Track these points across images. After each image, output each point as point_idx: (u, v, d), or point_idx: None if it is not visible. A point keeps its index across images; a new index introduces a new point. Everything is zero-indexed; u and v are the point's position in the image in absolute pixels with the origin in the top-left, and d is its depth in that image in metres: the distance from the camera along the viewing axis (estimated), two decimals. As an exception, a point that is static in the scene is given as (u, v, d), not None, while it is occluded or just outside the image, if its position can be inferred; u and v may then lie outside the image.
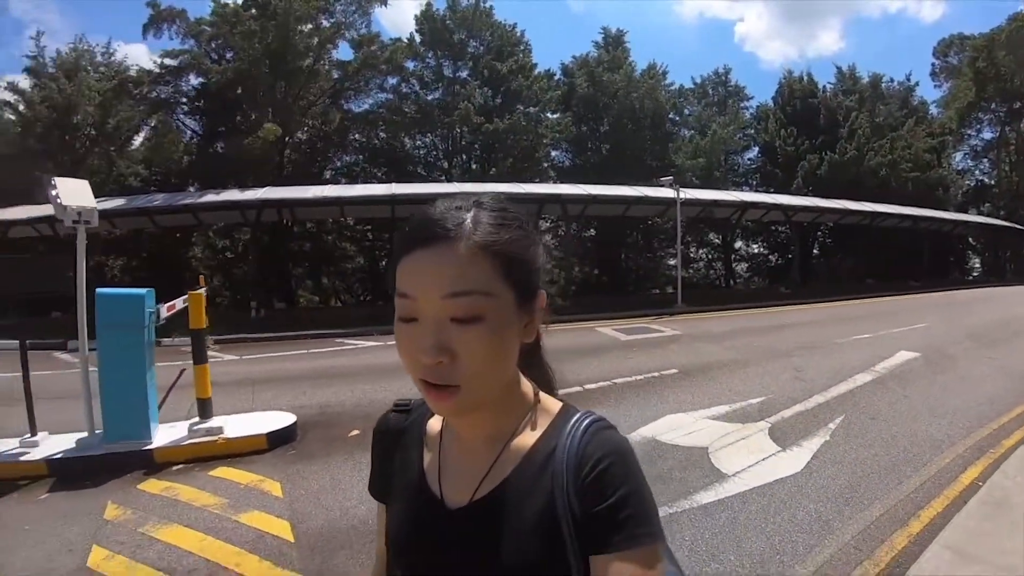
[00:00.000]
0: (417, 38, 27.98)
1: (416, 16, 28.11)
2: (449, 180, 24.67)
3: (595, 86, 28.05)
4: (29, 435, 5.31)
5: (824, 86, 34.31)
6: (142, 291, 5.40)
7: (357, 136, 26.56)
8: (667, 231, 23.51)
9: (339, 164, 26.30)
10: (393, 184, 20.06)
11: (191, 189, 23.07)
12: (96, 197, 5.74)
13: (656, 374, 7.98)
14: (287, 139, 22.88)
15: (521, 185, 21.16)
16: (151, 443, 5.44)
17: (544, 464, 0.79)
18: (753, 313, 16.16)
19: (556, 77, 29.02)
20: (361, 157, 27.17)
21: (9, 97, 25.08)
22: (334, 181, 24.60)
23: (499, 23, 28.34)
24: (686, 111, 31.94)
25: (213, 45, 24.33)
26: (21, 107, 24.76)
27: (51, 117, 24.14)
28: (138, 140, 26.86)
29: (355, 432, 5.72)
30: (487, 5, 28.33)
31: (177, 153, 21.98)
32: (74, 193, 5.31)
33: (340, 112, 25.48)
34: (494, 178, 22.70)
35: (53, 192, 5.12)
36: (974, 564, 3.15)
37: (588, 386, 7.34)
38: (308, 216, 22.52)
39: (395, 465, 0.93)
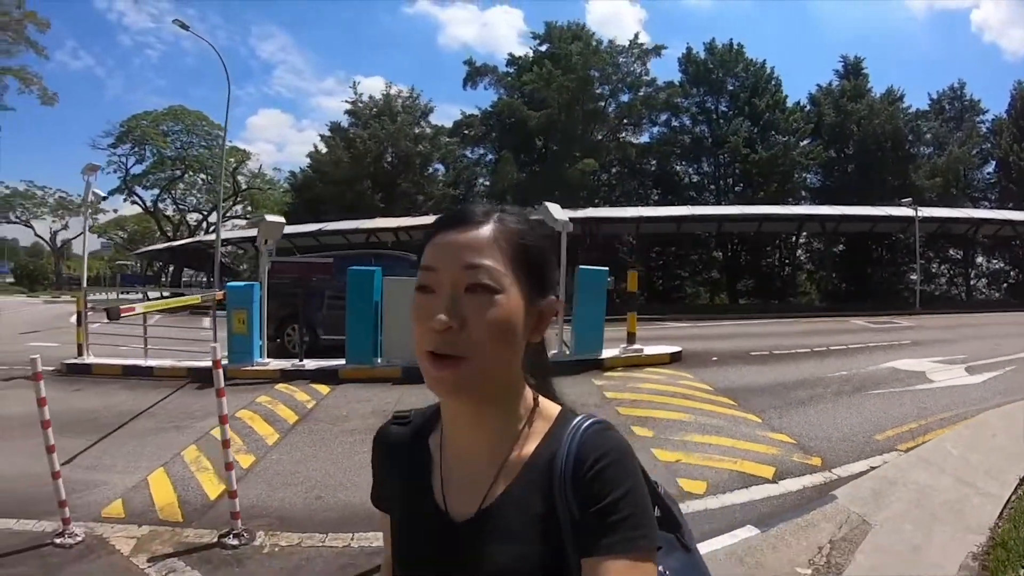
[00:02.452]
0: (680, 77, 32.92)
1: (679, 58, 33.27)
2: (718, 203, 29.39)
3: (840, 115, 31.11)
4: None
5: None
6: (604, 268, 10.96)
7: (640, 164, 32.25)
8: (909, 246, 26.30)
9: (626, 189, 32.08)
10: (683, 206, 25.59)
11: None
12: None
13: (896, 343, 12.19)
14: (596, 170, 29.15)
15: (782, 207, 25.59)
16: (601, 355, 10.01)
17: (546, 470, 0.81)
18: (977, 316, 19.62)
19: (806, 108, 32.24)
20: (636, 183, 32.78)
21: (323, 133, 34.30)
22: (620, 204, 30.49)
23: (751, 61, 32.63)
24: (923, 130, 33.22)
25: (523, 92, 30.94)
26: (358, 142, 34.08)
27: (377, 150, 32.63)
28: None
29: (715, 358, 10.48)
30: (738, 44, 32.53)
31: (512, 179, 28.97)
32: (556, 211, 10.85)
33: (629, 145, 31.38)
34: (761, 200, 27.11)
35: (549, 209, 10.54)
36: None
37: (851, 345, 11.77)
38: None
39: (395, 477, 0.95)
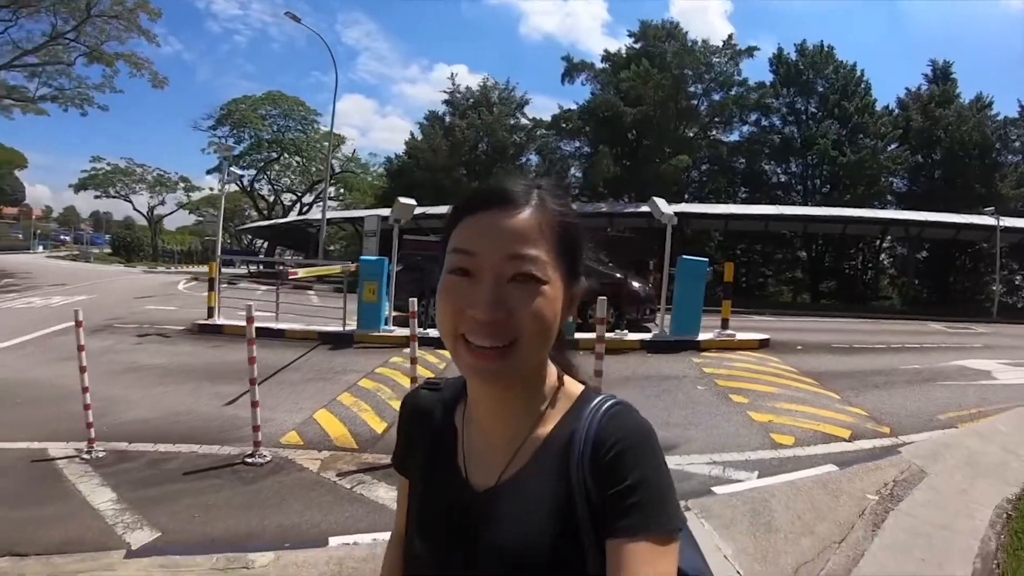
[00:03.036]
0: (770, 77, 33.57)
1: (770, 59, 33.95)
2: (804, 203, 30.11)
3: (928, 120, 31.25)
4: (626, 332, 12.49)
5: None
6: (704, 259, 12.06)
7: (730, 162, 33.17)
8: (992, 256, 26.49)
9: (715, 186, 33.07)
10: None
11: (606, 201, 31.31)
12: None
13: (968, 346, 13.18)
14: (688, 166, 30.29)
15: (868, 211, 26.23)
16: (698, 337, 11.35)
17: (564, 449, 0.81)
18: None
19: (895, 112, 32.39)
20: (725, 180, 33.71)
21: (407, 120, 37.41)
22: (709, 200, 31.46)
23: (842, 63, 33.09)
24: (1012, 138, 32.78)
25: (619, 88, 32.11)
26: (456, 131, 36.45)
27: (475, 139, 34.49)
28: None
29: (799, 347, 11.69)
30: (829, 46, 32.79)
31: (608, 173, 30.34)
32: (663, 205, 12.69)
33: (720, 143, 32.37)
34: (847, 203, 27.81)
35: (657, 203, 12.00)
36: None
37: (925, 345, 12.94)
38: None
39: (421, 443, 0.95)
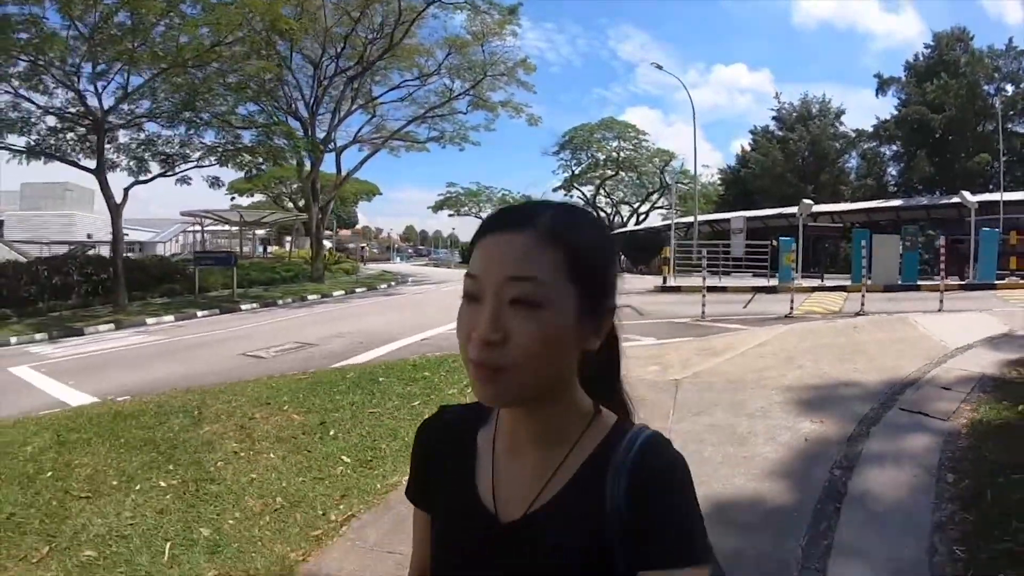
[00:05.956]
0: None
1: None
2: None
3: None
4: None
5: None
6: (997, 230, 21.37)
7: None
8: None
9: (1016, 175, 40.57)
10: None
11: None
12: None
13: None
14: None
15: None
16: (994, 282, 20.07)
17: (597, 481, 0.82)
18: None
19: None
20: (1019, 171, 40.96)
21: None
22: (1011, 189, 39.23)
23: None
24: None
25: (924, 98, 40.90)
26: (790, 143, 47.19)
27: (809, 151, 45.22)
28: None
29: None
30: None
31: (924, 172, 39.67)
32: (968, 196, 23.35)
33: (1015, 135, 40.06)
34: None
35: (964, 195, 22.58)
36: None
37: None
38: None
39: (439, 472, 0.96)
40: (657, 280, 23.68)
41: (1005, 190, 38.72)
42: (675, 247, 27.10)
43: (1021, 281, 19.58)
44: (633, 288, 22.55)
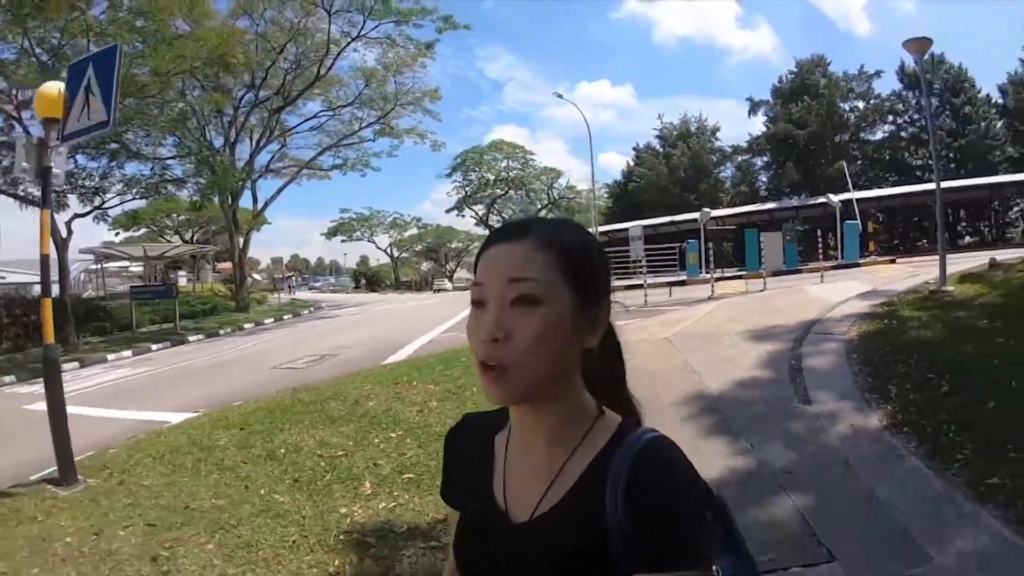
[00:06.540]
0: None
1: (896, 72, 47.66)
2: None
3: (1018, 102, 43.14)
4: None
5: None
6: (856, 222, 28.31)
7: (877, 156, 47.77)
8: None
9: (868, 175, 47.60)
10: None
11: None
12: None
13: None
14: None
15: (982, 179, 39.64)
16: (859, 261, 28.39)
17: (599, 483, 0.84)
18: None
19: (994, 100, 45.12)
20: (875, 173, 48.12)
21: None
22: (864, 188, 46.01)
23: (950, 65, 45.51)
24: None
25: (789, 117, 47.34)
26: (672, 159, 52.90)
27: (690, 166, 51.17)
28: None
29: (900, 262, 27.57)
30: (940, 53, 45.62)
31: (792, 179, 45.96)
32: (833, 198, 29.07)
33: (866, 143, 47.22)
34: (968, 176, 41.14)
35: (830, 197, 28.02)
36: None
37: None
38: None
39: (462, 475, 1.03)
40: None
41: (860, 189, 45.64)
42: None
43: (878, 259, 26.97)
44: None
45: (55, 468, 5.43)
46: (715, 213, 41.09)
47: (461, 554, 0.97)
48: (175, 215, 49.48)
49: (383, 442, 5.93)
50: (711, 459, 4.69)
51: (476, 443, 1.02)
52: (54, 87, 5.58)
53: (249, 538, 4.07)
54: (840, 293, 13.44)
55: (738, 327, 10.42)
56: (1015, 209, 46.72)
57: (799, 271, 24.49)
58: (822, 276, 18.68)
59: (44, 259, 5.73)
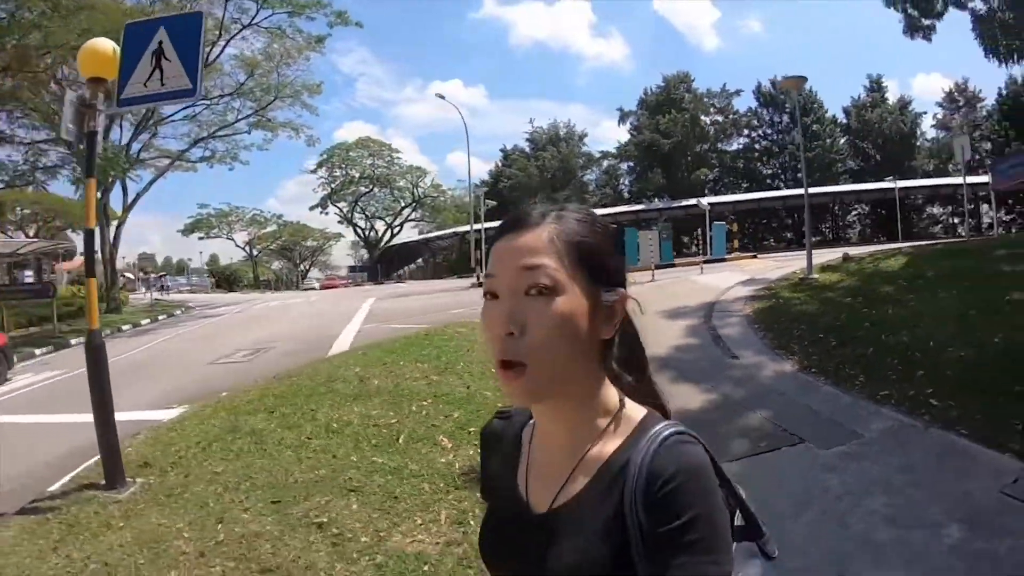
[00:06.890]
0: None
1: (753, 91, 53.49)
2: (785, 187, 49.02)
3: (860, 122, 49.42)
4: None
5: None
6: (724, 223, 31.63)
7: (733, 165, 52.66)
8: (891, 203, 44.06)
9: (725, 182, 52.32)
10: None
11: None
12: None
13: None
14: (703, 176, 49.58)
15: (826, 187, 44.92)
16: (725, 257, 31.91)
17: (619, 478, 0.83)
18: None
19: (838, 119, 51.33)
20: (731, 180, 53.12)
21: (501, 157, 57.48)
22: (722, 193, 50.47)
23: (804, 88, 50.87)
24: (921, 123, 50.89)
25: (656, 128, 51.26)
26: (543, 160, 55.99)
27: (559, 169, 54.35)
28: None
29: (762, 257, 31.50)
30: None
31: (656, 183, 49.69)
32: (703, 201, 31.78)
33: (724, 152, 51.87)
34: (813, 184, 46.34)
35: (701, 200, 31.27)
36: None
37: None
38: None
39: (494, 467, 1.03)
40: (470, 279, 30.49)
41: (717, 194, 50.28)
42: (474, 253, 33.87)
43: (743, 254, 32.05)
44: (451, 287, 28.86)
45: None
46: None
47: (484, 543, 0.98)
48: (19, 208, 44.21)
49: (420, 410, 6.11)
50: (689, 397, 6.16)
51: (505, 438, 1.03)
52: (107, 44, 5.05)
53: (384, 494, 4.22)
54: (725, 281, 15.77)
55: (652, 308, 12.01)
56: (853, 213, 53.44)
57: (674, 264, 27.56)
58: (702, 268, 21.46)
59: (89, 234, 5.35)
